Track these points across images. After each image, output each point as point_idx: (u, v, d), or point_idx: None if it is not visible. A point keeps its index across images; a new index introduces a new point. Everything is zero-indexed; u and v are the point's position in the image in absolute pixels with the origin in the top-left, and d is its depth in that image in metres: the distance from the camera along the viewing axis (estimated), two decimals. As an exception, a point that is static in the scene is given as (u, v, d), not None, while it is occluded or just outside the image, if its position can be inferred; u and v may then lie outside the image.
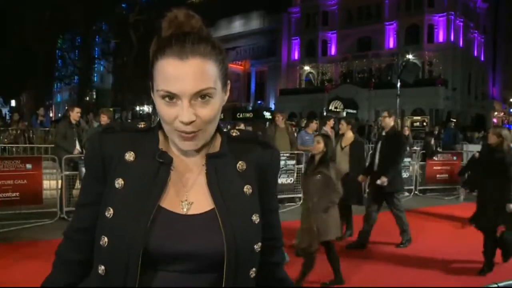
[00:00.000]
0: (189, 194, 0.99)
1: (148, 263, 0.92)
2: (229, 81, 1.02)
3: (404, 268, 4.99)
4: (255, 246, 0.98)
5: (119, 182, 0.96)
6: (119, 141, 1.00)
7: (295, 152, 8.68)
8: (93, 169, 1.02)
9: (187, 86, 0.90)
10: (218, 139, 1.04)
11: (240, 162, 1.03)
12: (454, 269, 5.00)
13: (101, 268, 0.95)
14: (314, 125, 9.36)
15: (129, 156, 0.98)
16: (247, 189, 1.01)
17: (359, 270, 4.86)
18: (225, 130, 1.08)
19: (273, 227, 1.10)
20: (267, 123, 19.50)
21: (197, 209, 0.97)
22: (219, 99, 0.97)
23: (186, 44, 0.92)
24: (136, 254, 0.90)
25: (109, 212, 0.94)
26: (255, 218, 0.99)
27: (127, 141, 1.00)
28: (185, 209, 0.97)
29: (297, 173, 8.63)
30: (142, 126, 1.04)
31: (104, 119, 7.58)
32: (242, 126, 8.01)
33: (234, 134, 1.07)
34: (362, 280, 4.58)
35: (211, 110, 0.94)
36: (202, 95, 0.92)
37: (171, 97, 0.92)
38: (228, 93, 1.03)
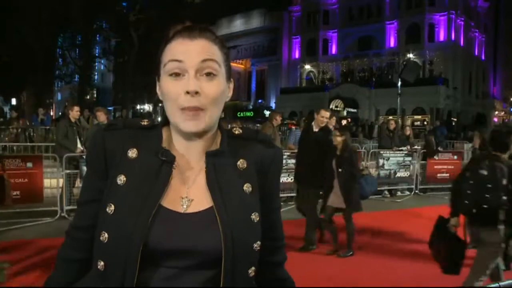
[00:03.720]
0: (190, 191, 0.99)
1: (147, 259, 0.92)
2: (232, 79, 1.05)
3: (403, 268, 4.98)
4: (254, 245, 0.98)
5: (121, 179, 0.96)
6: (122, 138, 1.01)
7: (295, 151, 8.67)
8: (95, 165, 1.02)
9: (194, 55, 0.95)
10: (220, 137, 1.05)
11: (240, 160, 1.03)
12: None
13: (101, 264, 0.95)
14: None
15: (132, 153, 0.99)
16: (247, 187, 1.01)
17: (354, 269, 4.86)
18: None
19: (275, 227, 1.10)
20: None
21: (196, 207, 0.97)
22: (223, 83, 0.99)
23: (194, 30, 0.98)
24: (136, 251, 0.91)
25: (110, 208, 0.94)
26: (254, 216, 0.99)
27: (130, 137, 1.01)
28: (184, 207, 0.97)
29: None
30: (145, 123, 1.04)
31: (102, 117, 7.57)
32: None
33: (236, 132, 1.08)
34: (359, 279, 4.58)
35: (216, 87, 0.97)
36: (207, 72, 0.96)
37: (177, 73, 0.95)
38: (231, 91, 1.05)
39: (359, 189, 5.33)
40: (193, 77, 0.94)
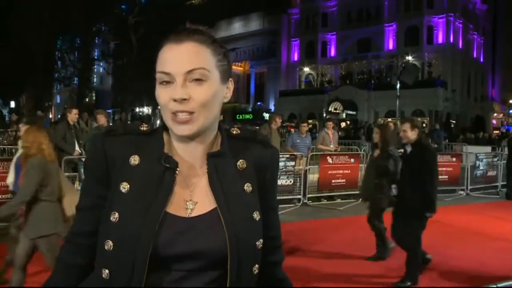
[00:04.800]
0: (193, 194, 0.99)
1: (154, 265, 0.92)
2: (231, 79, 1.04)
3: (401, 270, 4.98)
4: (257, 243, 1.00)
5: (124, 186, 0.96)
6: (122, 144, 1.01)
7: (295, 153, 8.69)
8: (95, 171, 1.02)
9: (180, 65, 0.94)
10: (219, 139, 1.05)
11: (240, 160, 1.04)
12: (454, 270, 5.00)
13: (105, 272, 0.95)
14: (304, 128, 9.30)
15: (134, 160, 0.98)
16: (247, 187, 1.02)
17: (353, 271, 4.86)
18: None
19: (272, 226, 1.11)
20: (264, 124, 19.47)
21: (200, 210, 0.98)
22: (215, 86, 0.98)
23: (182, 33, 0.97)
24: (143, 258, 0.91)
25: (114, 216, 0.94)
26: (256, 215, 1.01)
27: (131, 144, 1.01)
28: (189, 210, 0.97)
29: (294, 174, 8.63)
30: (145, 128, 1.04)
31: (102, 119, 7.58)
32: None
33: (234, 132, 1.09)
34: (358, 280, 4.57)
35: (205, 91, 0.96)
36: (196, 78, 0.95)
37: (167, 80, 0.95)
38: (230, 92, 1.04)
39: None
40: (180, 85, 0.94)
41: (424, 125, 36.06)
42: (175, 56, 0.95)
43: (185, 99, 0.93)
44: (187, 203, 0.98)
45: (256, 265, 1.00)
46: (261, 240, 1.01)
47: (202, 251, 0.94)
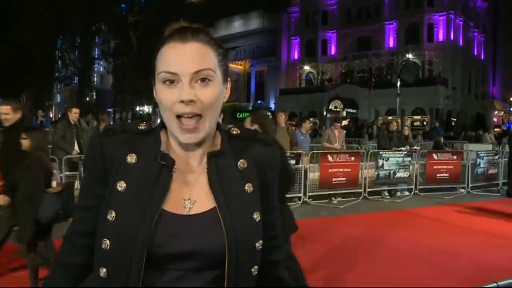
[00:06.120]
0: (192, 193, 0.99)
1: (151, 263, 0.92)
2: (229, 79, 1.04)
3: (402, 268, 4.98)
4: (256, 244, 0.99)
5: (121, 185, 0.96)
6: (120, 143, 1.00)
7: (295, 152, 8.68)
8: (93, 171, 1.01)
9: (187, 65, 0.93)
10: (219, 138, 1.05)
11: (241, 160, 1.03)
12: (455, 267, 4.99)
13: (103, 271, 0.95)
14: (307, 124, 9.32)
15: (131, 158, 0.98)
16: (248, 187, 1.01)
17: (354, 270, 4.86)
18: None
19: (273, 226, 1.11)
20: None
21: (199, 208, 0.97)
22: (219, 86, 0.98)
23: (187, 32, 0.96)
24: (140, 257, 0.91)
25: (111, 215, 0.94)
26: (256, 216, 1.00)
27: (128, 142, 1.00)
28: (187, 209, 0.97)
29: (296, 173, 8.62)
30: (143, 127, 1.04)
31: (106, 121, 7.54)
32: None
33: (234, 132, 1.08)
34: (359, 279, 4.57)
35: (211, 93, 0.95)
36: (202, 78, 0.94)
37: (171, 80, 0.94)
38: (228, 92, 1.04)
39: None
40: (187, 85, 0.93)
41: (425, 123, 36.12)
42: (181, 56, 0.93)
43: (192, 101, 0.93)
44: (185, 201, 0.97)
45: (255, 266, 1.00)
46: (261, 241, 1.00)
47: (199, 250, 0.93)
